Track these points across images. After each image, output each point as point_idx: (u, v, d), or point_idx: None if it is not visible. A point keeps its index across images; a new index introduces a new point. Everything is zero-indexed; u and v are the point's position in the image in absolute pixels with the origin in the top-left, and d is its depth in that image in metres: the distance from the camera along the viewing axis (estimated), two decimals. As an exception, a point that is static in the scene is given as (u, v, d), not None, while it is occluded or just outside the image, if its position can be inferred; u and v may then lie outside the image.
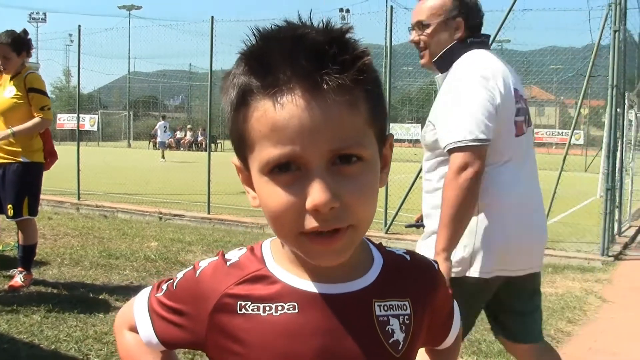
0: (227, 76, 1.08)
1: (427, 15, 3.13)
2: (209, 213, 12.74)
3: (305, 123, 0.99)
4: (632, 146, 14.53)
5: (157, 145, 37.14)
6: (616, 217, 11.34)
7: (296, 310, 1.12)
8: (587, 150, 38.57)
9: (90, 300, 5.98)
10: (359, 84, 1.01)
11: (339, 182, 1.01)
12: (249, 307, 1.13)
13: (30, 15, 77.13)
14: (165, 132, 36.82)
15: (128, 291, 6.35)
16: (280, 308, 1.12)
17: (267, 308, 1.12)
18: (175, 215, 12.54)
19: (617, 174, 11.00)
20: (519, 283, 3.14)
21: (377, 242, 1.28)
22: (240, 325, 1.12)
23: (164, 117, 39.37)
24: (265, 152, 1.02)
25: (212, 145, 17.81)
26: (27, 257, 6.34)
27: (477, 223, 2.99)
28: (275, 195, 1.03)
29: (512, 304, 3.26)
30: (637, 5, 13.06)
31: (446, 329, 1.37)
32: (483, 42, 3.19)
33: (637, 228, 13.29)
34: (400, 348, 1.17)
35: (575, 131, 13.92)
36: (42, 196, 14.08)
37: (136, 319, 1.27)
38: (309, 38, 1.00)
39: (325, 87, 0.98)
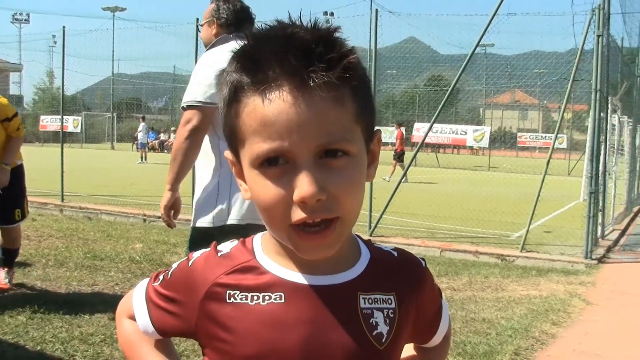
0: (222, 74, 1.13)
1: (203, 16, 4.19)
2: (193, 215, 12.67)
3: (293, 118, 1.02)
4: (615, 150, 14.65)
5: (138, 147, 36.97)
6: (599, 220, 11.42)
7: (283, 300, 1.14)
8: (570, 154, 38.85)
9: (75, 301, 5.95)
10: (345, 82, 1.05)
11: (326, 175, 1.04)
12: (237, 296, 1.16)
13: (13, 16, 76.64)
14: (146, 133, 36.66)
15: (113, 292, 6.34)
16: (267, 298, 1.15)
17: (255, 297, 1.15)
18: (160, 217, 12.46)
19: (600, 178, 11.08)
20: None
21: (366, 239, 1.30)
22: (228, 314, 1.15)
23: (143, 119, 39.14)
24: (255, 147, 1.06)
25: (197, 147, 17.71)
26: (12, 259, 6.34)
27: (231, 180, 3.66)
28: (265, 188, 1.07)
29: None
30: (620, 10, 13.20)
31: (433, 327, 1.38)
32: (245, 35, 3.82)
33: (620, 231, 13.40)
34: (383, 340, 1.19)
35: (558, 135, 14.00)
36: (25, 197, 13.97)
37: (134, 308, 1.31)
38: (297, 37, 1.05)
39: (311, 84, 1.01)
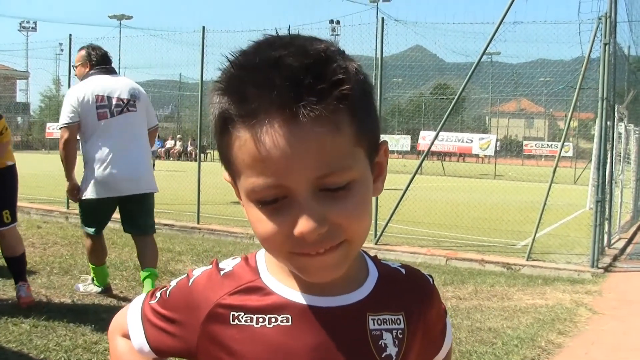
0: (212, 91, 1.04)
1: (76, 60, 6.47)
2: (198, 223, 12.70)
3: (286, 154, 0.96)
4: (621, 159, 14.60)
5: (148, 155, 36.99)
6: (606, 229, 11.36)
7: (290, 323, 1.10)
8: (576, 162, 38.78)
9: (79, 309, 5.95)
10: (340, 110, 0.97)
11: (327, 206, 0.99)
12: (242, 318, 1.12)
13: (20, 24, 76.88)
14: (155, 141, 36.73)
15: (118, 301, 6.33)
16: (273, 320, 1.11)
17: (261, 320, 1.11)
18: (165, 224, 12.48)
19: (606, 186, 11.03)
20: (132, 200, 6.23)
21: (373, 255, 1.26)
22: (232, 336, 1.11)
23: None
24: (250, 181, 1.00)
25: (202, 155, 17.73)
26: (20, 269, 6.08)
27: (89, 169, 6.05)
28: (262, 222, 1.02)
29: (131, 212, 6.37)
30: (626, 18, 13.16)
31: (438, 345, 1.35)
32: (102, 70, 6.28)
33: (626, 240, 13.35)
34: None
35: (564, 143, 13.96)
36: (30, 204, 13.89)
37: (129, 326, 1.26)
38: (284, 65, 0.96)
39: (302, 119, 0.95)
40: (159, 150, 45.72)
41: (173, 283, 1.23)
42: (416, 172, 11.81)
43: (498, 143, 56.11)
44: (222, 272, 1.17)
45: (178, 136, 49.56)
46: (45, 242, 9.48)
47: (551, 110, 68.02)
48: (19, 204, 6.28)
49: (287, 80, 0.95)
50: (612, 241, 12.44)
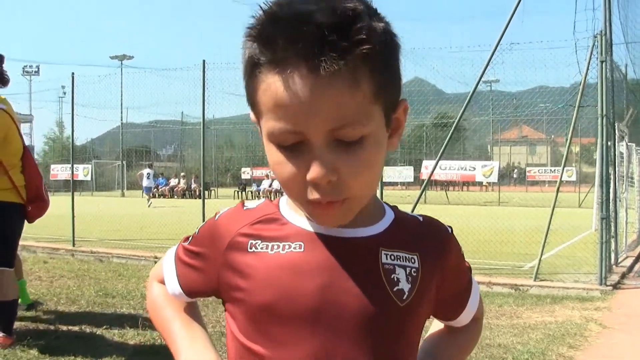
0: (245, 35, 1.10)
1: None
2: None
3: (305, 102, 1.03)
4: (624, 178, 14.58)
5: (143, 192, 37.27)
6: (612, 247, 11.30)
7: (302, 250, 1.17)
8: (580, 186, 38.70)
9: (87, 336, 5.93)
10: (360, 67, 1.03)
11: (338, 156, 1.06)
12: (258, 245, 1.19)
13: (23, 68, 77.59)
14: (148, 178, 36.82)
15: (125, 328, 6.30)
16: (287, 247, 1.18)
17: (275, 247, 1.18)
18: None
19: (611, 204, 11.01)
20: None
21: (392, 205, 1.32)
22: (248, 262, 1.18)
23: (150, 166, 39.30)
24: (270, 124, 1.08)
25: (206, 192, 17.74)
26: (4, 316, 5.46)
27: None
28: (280, 165, 1.10)
29: None
30: (622, 36, 13.26)
31: (461, 302, 1.37)
32: None
33: (634, 258, 13.29)
34: (404, 298, 1.18)
35: (567, 168, 13.96)
36: (37, 243, 13.76)
37: (164, 270, 1.36)
38: (312, 20, 1.01)
39: (322, 72, 1.01)
40: (162, 188, 45.87)
41: (203, 223, 1.30)
42: (420, 197, 11.79)
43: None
44: (245, 208, 1.26)
45: (182, 174, 49.67)
46: (52, 275, 9.50)
47: (552, 136, 68.22)
48: (25, 242, 6.22)
49: (313, 35, 1.01)
50: (620, 259, 12.36)
